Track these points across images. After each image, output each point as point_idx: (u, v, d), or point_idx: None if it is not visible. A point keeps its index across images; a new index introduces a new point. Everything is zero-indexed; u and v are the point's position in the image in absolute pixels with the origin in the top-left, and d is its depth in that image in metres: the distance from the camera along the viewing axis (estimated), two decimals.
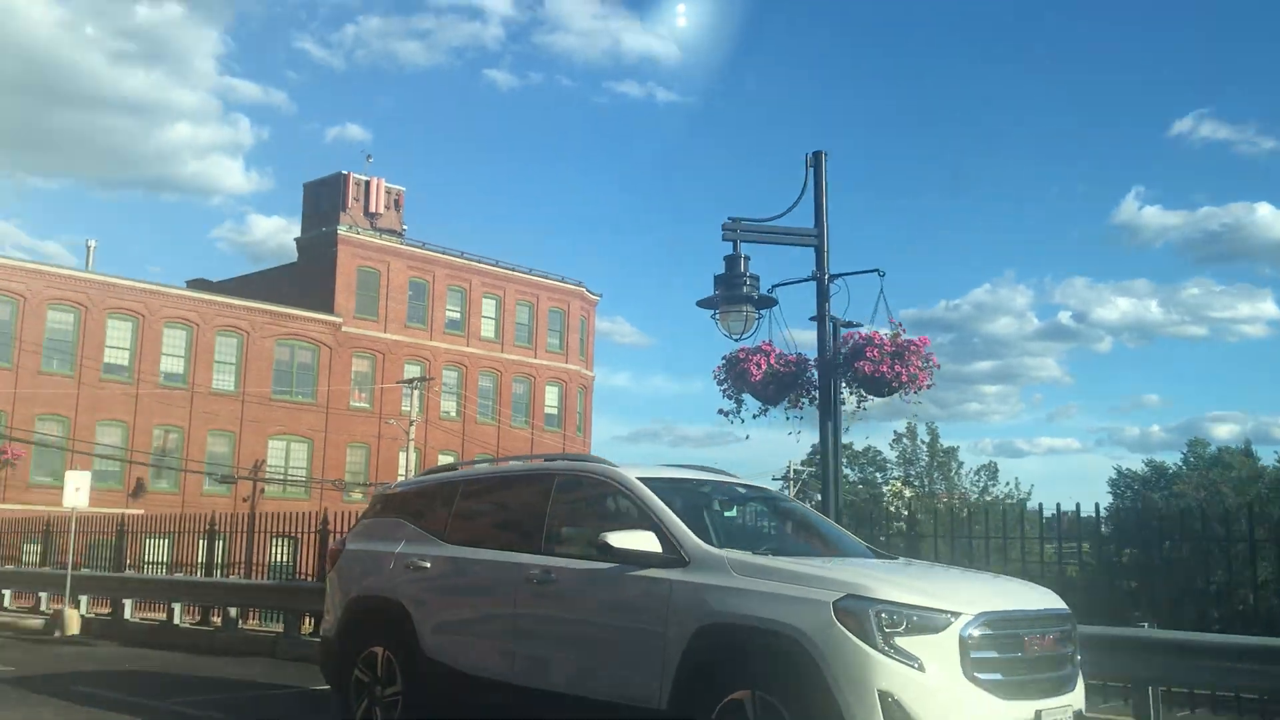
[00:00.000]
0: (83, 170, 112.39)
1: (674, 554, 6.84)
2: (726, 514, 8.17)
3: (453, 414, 58.50)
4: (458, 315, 59.54)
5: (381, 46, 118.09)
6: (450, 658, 7.96)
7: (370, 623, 8.62)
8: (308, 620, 15.14)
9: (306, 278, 56.07)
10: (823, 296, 10.87)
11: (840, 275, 10.90)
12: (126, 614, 17.49)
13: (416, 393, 50.68)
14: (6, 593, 20.21)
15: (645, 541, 6.89)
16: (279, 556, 19.87)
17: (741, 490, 8.45)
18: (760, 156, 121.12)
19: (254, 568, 18.17)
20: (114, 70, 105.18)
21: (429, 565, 8.34)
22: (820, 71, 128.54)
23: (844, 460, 13.41)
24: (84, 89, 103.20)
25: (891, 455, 66.76)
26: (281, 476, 51.34)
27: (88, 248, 51.00)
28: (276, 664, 14.05)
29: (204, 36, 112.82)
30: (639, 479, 7.48)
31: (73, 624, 17.31)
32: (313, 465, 53.02)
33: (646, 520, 7.10)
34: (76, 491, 17.91)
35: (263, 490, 50.21)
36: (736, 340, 10.69)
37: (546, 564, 7.48)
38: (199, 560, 18.96)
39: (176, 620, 16.59)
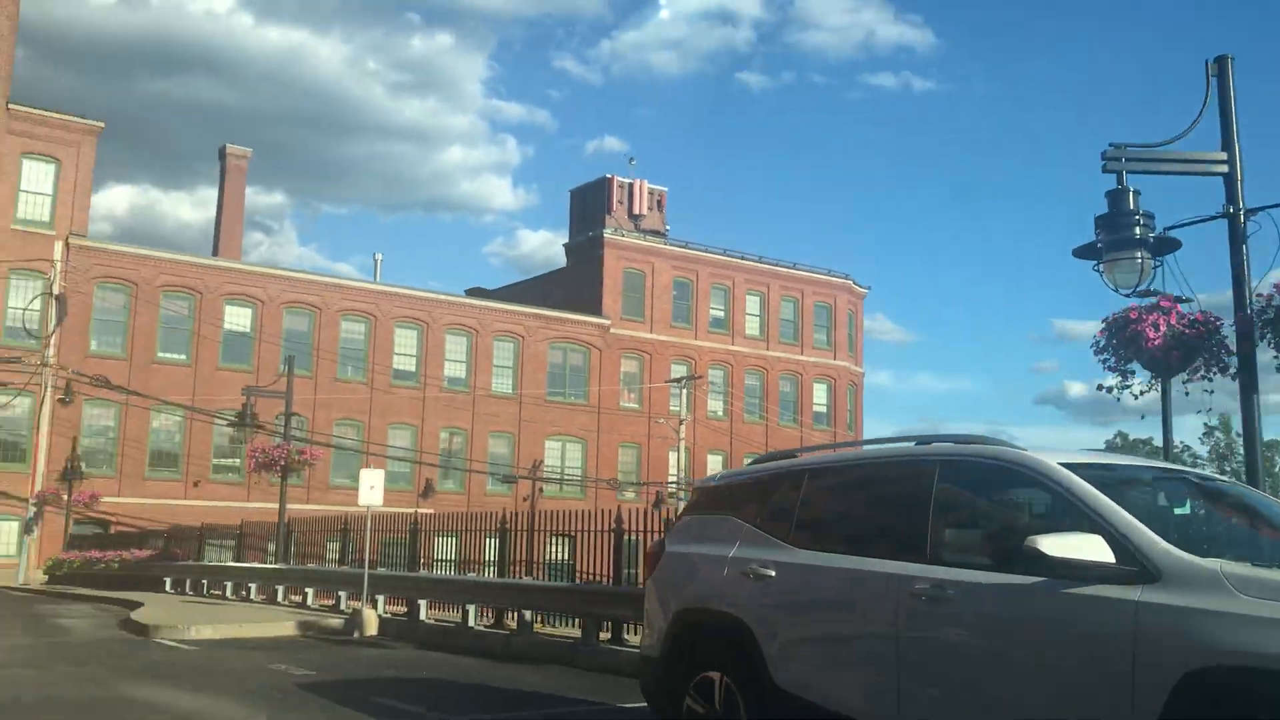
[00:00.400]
0: (368, 196, 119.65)
1: (1135, 565, 4.90)
2: (1177, 509, 6.10)
3: (720, 413, 57.39)
4: (722, 313, 58.40)
5: (637, 59, 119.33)
6: (808, 690, 6.29)
7: (704, 642, 7.09)
8: (606, 627, 13.97)
9: (575, 282, 56.52)
10: (1239, 238, 8.49)
11: (1261, 209, 8.49)
12: (421, 614, 16.97)
13: (685, 391, 49.81)
14: (309, 591, 20.30)
15: (1092, 549, 4.97)
16: (558, 555, 19.20)
17: (1180, 478, 6.36)
18: (1016, 142, 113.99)
19: (534, 566, 17.40)
20: (393, 101, 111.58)
21: (773, 574, 6.71)
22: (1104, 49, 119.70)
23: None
24: (367, 120, 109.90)
25: (1202, 450, 60.22)
26: (558, 476, 51.75)
27: (375, 261, 53.27)
28: (576, 674, 12.90)
29: (471, 62, 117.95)
30: (1062, 465, 5.56)
31: (370, 624, 16.94)
32: (587, 465, 53.26)
33: (1085, 520, 5.17)
34: (371, 490, 17.59)
35: (541, 490, 50.76)
36: (1127, 295, 8.48)
37: (937, 576, 5.66)
38: (482, 559, 18.43)
39: (471, 622, 15.84)
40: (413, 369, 49.75)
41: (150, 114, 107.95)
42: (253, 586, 22.15)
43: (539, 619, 15.48)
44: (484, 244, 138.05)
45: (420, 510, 44.88)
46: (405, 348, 49.74)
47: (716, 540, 7.32)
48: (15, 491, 39.81)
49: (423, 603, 17.02)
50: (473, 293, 58.81)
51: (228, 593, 23.04)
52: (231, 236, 53.81)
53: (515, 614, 15.51)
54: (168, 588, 25.30)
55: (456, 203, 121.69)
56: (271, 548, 26.10)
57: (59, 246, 37.04)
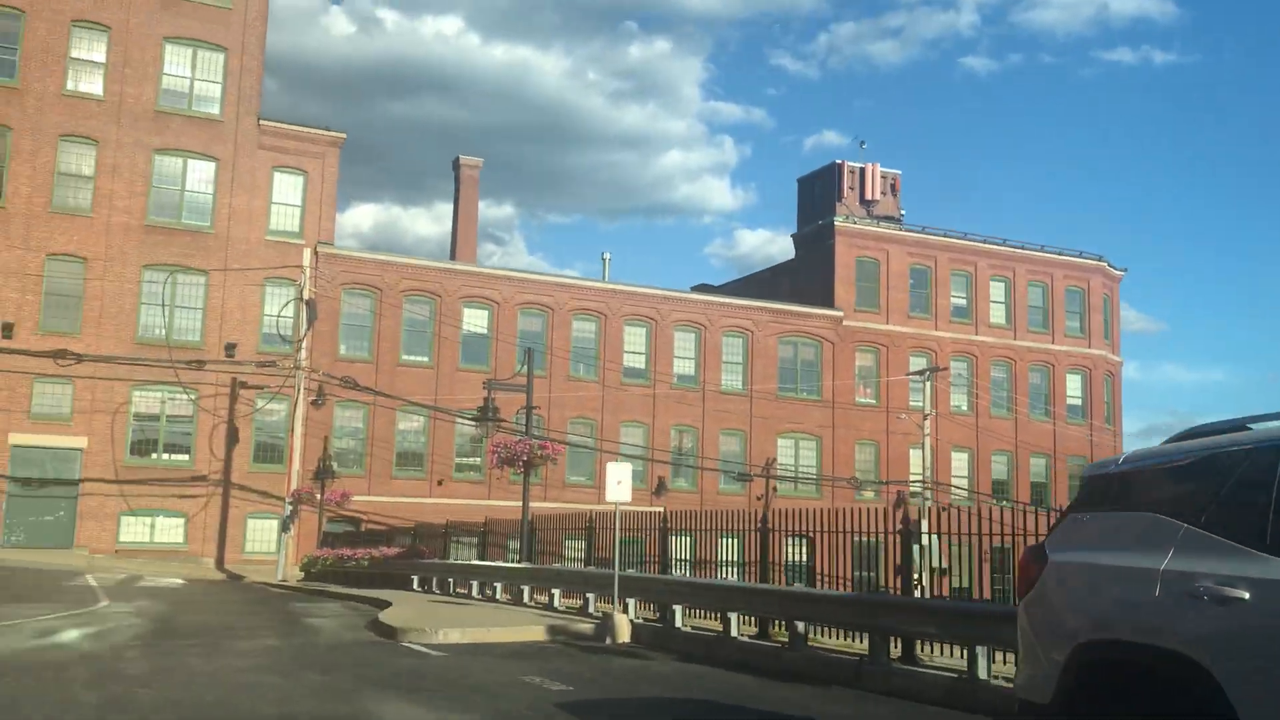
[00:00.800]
0: (591, 204, 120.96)
1: None
2: None
3: (964, 407, 53.69)
4: (964, 301, 54.67)
5: (854, 50, 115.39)
6: None
7: (1127, 687, 5.01)
8: (895, 643, 11.90)
9: (805, 273, 54.22)
10: None
11: None
12: (677, 621, 15.34)
13: (927, 385, 46.62)
14: (555, 591, 19.10)
15: None
16: (796, 557, 17.72)
17: None
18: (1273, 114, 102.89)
19: (775, 569, 15.82)
20: (613, 109, 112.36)
21: (1246, 595, 4.56)
22: None
23: None
24: (589, 130, 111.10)
25: None
26: (793, 474, 49.61)
27: (604, 261, 52.67)
28: (865, 698, 10.89)
29: (688, 67, 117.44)
30: None
31: (623, 630, 15.47)
32: (821, 462, 50.86)
33: None
34: (619, 485, 16.17)
35: (775, 489, 48.75)
36: None
37: None
38: (719, 559, 16.97)
39: (733, 631, 14.08)
40: (642, 366, 48.82)
41: (388, 135, 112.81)
42: (498, 586, 21.23)
43: (818, 632, 13.55)
44: (703, 245, 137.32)
45: (653, 509, 43.75)
46: (635, 345, 48.86)
47: (1133, 547, 5.20)
48: (275, 491, 41.22)
49: (677, 608, 15.38)
50: (699, 290, 57.45)
51: (473, 592, 22.25)
52: (467, 243, 54.54)
53: (783, 624, 13.64)
54: (415, 585, 24.88)
55: (676, 206, 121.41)
56: (514, 545, 25.39)
57: (308, 255, 38.08)
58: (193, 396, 40.33)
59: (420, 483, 44.37)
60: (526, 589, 20.17)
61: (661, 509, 45.68)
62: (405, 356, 44.49)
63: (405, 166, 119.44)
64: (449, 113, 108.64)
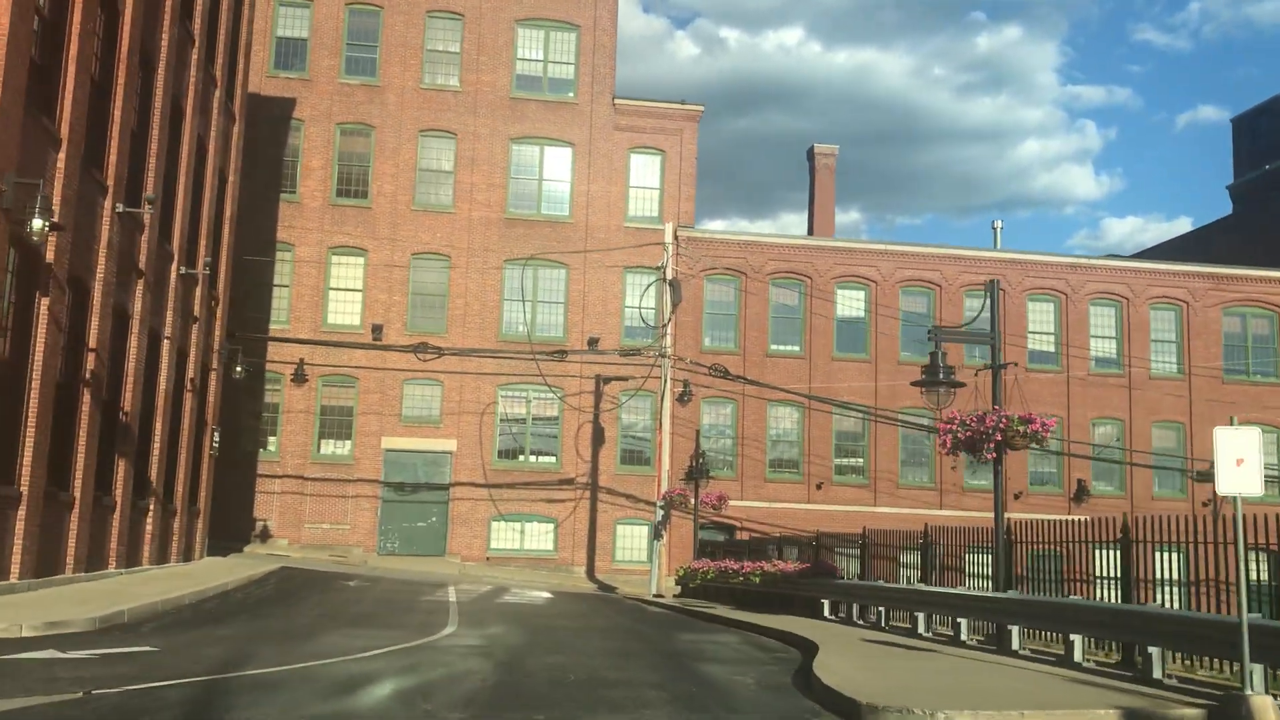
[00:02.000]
0: (941, 202, 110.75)
1: None
2: None
3: None
4: None
5: (1231, 15, 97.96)
6: None
7: None
8: None
9: (1247, 231, 42.93)
10: None
11: None
12: None
13: None
14: (1075, 639, 11.87)
15: None
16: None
17: None
18: None
19: None
20: (962, 103, 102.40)
21: None
22: None
23: None
24: (936, 127, 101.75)
25: None
26: (1277, 473, 38.65)
27: (994, 230, 44.27)
28: None
29: (1042, 51, 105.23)
30: None
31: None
32: None
33: None
34: (1238, 468, 8.86)
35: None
36: None
37: None
38: None
39: None
40: (1050, 348, 39.95)
41: (734, 151, 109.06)
42: (962, 623, 14.34)
43: None
44: (1066, 238, 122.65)
45: (1071, 517, 35.34)
46: (1040, 323, 40.09)
47: None
48: (641, 494, 36.57)
49: None
50: (1109, 259, 47.37)
51: (920, 627, 15.43)
52: (824, 234, 48.02)
53: None
54: (825, 612, 18.52)
55: (1034, 198, 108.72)
56: (905, 560, 18.56)
57: (670, 229, 32.95)
58: (558, 395, 36.52)
59: (796, 486, 38.18)
60: (1015, 631, 13.09)
61: (1083, 517, 36.78)
62: (774, 346, 38.55)
63: (750, 181, 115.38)
64: (792, 123, 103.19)
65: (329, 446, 35.67)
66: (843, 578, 18.86)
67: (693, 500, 28.87)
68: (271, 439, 35.40)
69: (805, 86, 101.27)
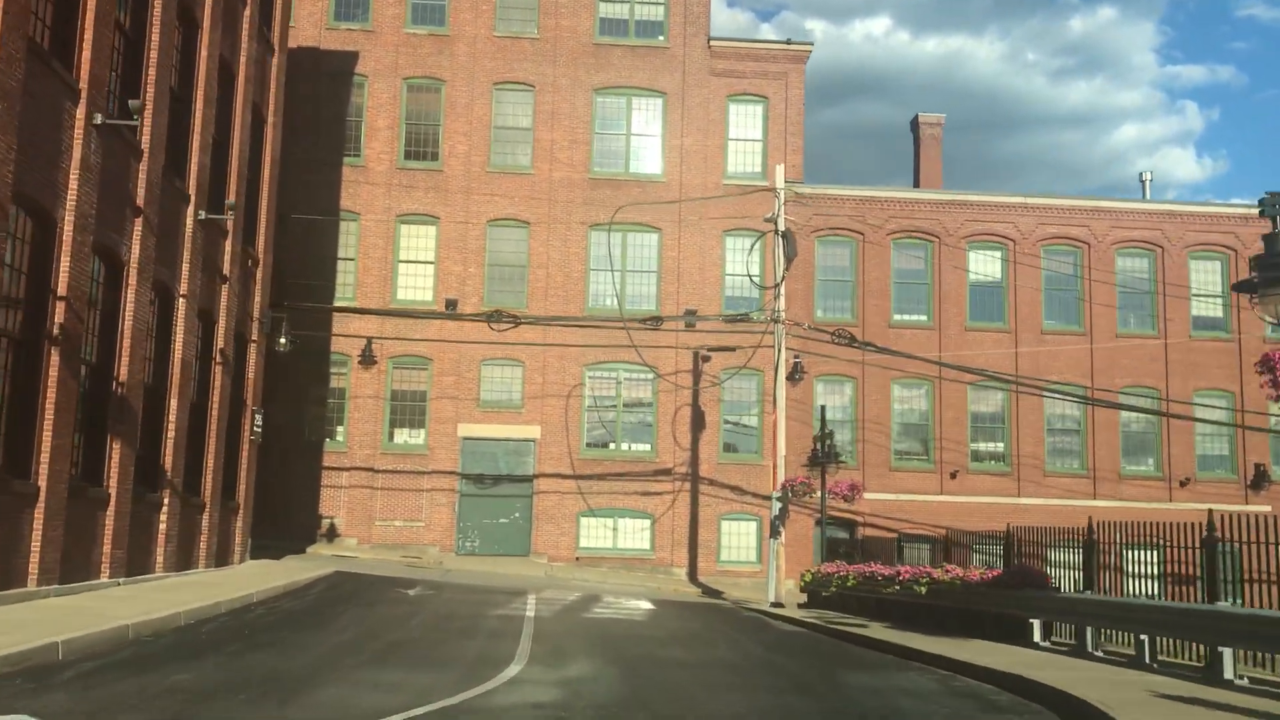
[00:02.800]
0: (1036, 189, 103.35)
1: None
2: None
3: None
4: None
5: None
6: None
7: None
8: None
9: None
10: None
11: None
12: None
13: None
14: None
15: None
16: None
17: None
18: None
19: None
20: (1056, 88, 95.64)
21: None
22: None
23: None
24: (1030, 113, 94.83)
25: None
26: None
27: (1143, 182, 38.01)
28: None
29: (1139, 33, 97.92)
30: None
31: None
32: None
33: None
34: None
35: None
36: None
37: None
38: None
39: None
40: (1219, 314, 33.67)
41: (820, 145, 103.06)
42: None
43: None
44: None
45: (1250, 508, 29.70)
46: (1206, 283, 33.83)
47: None
48: (748, 486, 31.45)
49: None
50: None
51: (1145, 656, 10.01)
52: None
53: None
54: (1036, 636, 13.24)
55: (1132, 184, 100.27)
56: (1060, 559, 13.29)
57: (780, 172, 27.59)
58: (652, 375, 31.62)
59: (926, 475, 32.62)
60: None
61: (1266, 508, 30.27)
62: (897, 316, 33.04)
63: (840, 173, 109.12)
64: (881, 113, 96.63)
65: (401, 435, 31.34)
66: (1058, 588, 13.49)
67: (818, 490, 23.62)
68: (339, 429, 31.20)
69: (894, 76, 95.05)
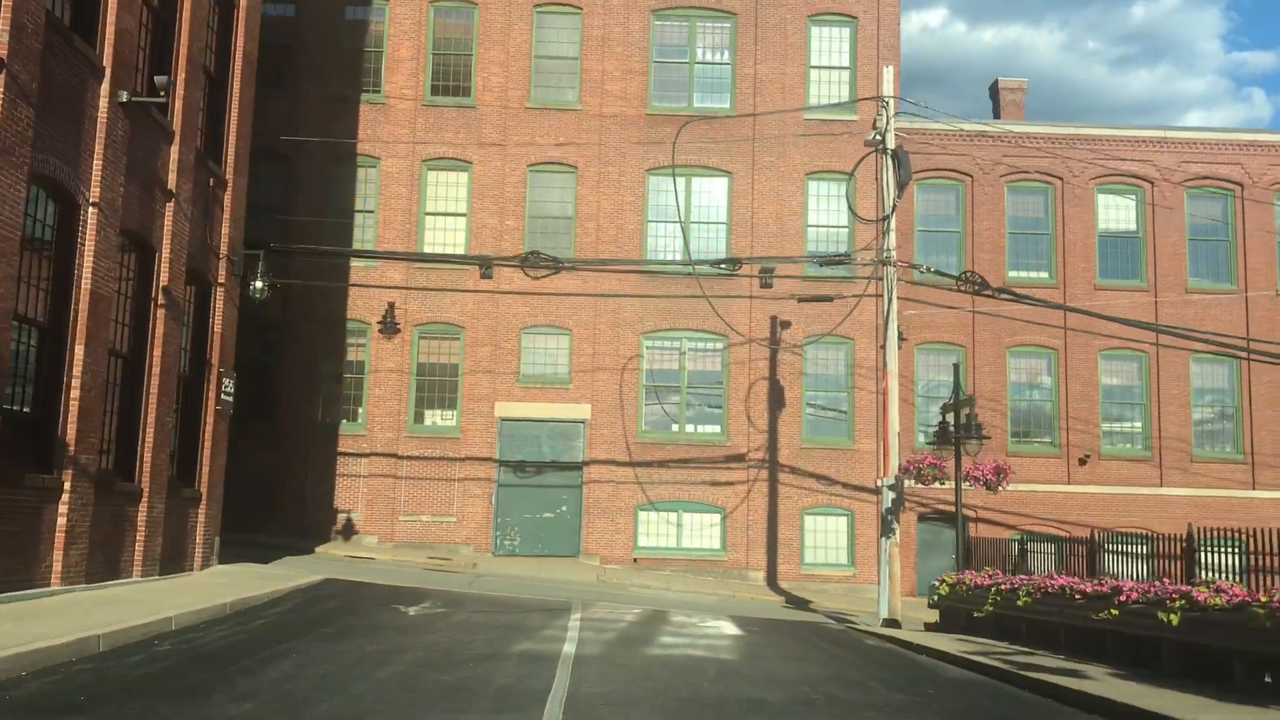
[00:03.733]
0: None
1: None
2: None
3: None
4: None
5: None
6: None
7: None
8: None
9: None
10: None
11: None
12: None
13: None
14: None
15: None
16: None
17: None
18: None
19: None
20: (1117, 77, 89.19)
21: None
22: None
23: None
24: (1091, 102, 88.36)
25: None
26: None
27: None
28: None
29: (1203, 19, 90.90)
30: None
31: None
32: None
33: None
34: None
35: None
36: None
37: None
38: None
39: None
40: None
41: None
42: None
43: None
44: None
45: None
46: None
47: None
48: (838, 474, 25.73)
49: None
50: None
51: None
52: None
53: None
54: None
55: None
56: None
57: (889, 75, 21.52)
58: (721, 344, 26.05)
59: (1050, 461, 26.60)
60: None
61: None
62: (1012, 272, 27.07)
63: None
64: (940, 104, 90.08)
65: (429, 416, 26.09)
66: None
67: (952, 475, 17.74)
68: (359, 409, 26.04)
69: (951, 67, 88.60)
